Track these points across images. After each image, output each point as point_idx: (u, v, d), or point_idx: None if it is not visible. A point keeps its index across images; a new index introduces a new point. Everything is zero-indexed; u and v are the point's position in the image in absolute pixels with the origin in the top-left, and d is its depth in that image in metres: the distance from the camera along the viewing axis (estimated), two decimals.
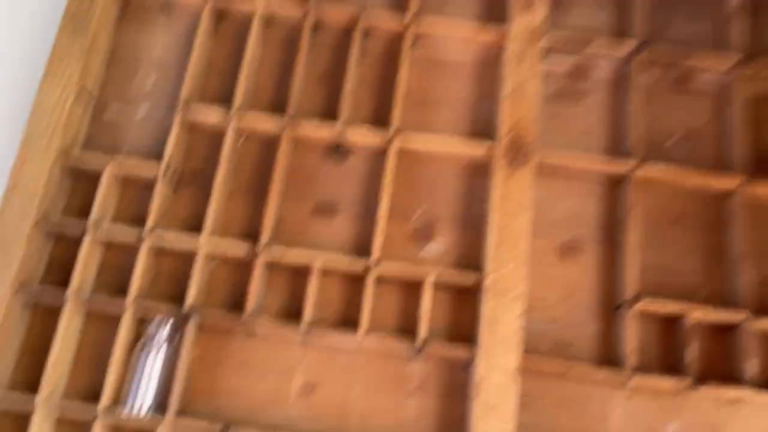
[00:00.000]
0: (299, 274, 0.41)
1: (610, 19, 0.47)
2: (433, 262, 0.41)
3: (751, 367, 0.38)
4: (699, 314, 0.39)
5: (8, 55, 0.45)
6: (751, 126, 0.44)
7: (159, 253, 0.41)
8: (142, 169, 0.42)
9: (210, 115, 0.43)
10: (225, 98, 0.44)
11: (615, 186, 0.43)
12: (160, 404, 0.38)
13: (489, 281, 0.38)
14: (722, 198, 0.43)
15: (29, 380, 0.39)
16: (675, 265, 0.42)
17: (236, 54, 0.45)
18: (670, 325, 0.40)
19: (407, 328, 0.40)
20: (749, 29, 0.45)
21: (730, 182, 0.41)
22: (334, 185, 0.43)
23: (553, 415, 0.39)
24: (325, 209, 0.43)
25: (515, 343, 0.37)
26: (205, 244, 0.40)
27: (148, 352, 0.38)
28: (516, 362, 0.37)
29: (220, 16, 0.46)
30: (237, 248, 0.40)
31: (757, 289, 0.41)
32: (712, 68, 0.44)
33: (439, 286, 0.40)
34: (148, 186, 0.42)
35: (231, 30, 0.46)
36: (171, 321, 0.38)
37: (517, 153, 0.41)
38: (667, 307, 0.39)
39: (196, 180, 0.43)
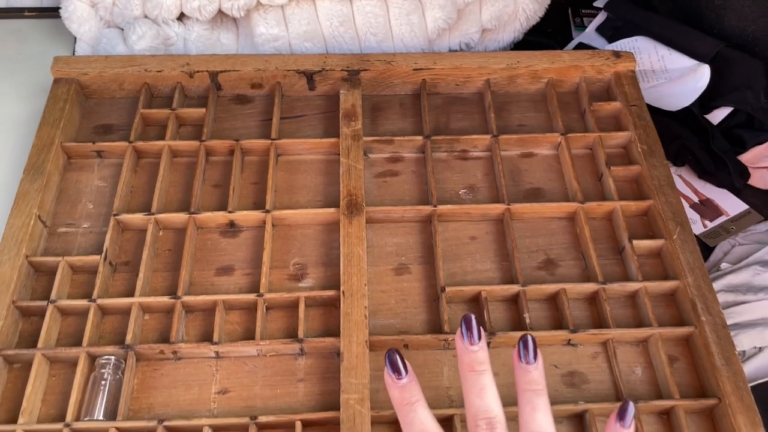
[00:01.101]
0: (208, 314, 0.58)
1: (410, 125, 0.70)
2: (305, 290, 0.58)
3: (530, 317, 0.56)
4: (488, 291, 0.57)
5: None
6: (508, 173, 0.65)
7: (104, 313, 0.57)
8: (86, 261, 0.58)
9: (135, 219, 0.61)
10: (145, 208, 0.62)
11: (426, 223, 0.63)
12: (111, 416, 0.52)
13: (342, 290, 0.56)
14: (498, 219, 0.63)
15: (9, 417, 0.52)
16: (472, 267, 0.61)
17: (152, 179, 0.65)
18: (472, 301, 0.58)
19: (292, 336, 0.56)
20: (497, 115, 0.69)
21: (501, 207, 0.62)
22: (230, 253, 0.61)
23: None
24: (225, 270, 0.61)
25: (364, 325, 0.54)
26: (137, 301, 0.56)
27: (100, 383, 0.52)
28: (365, 338, 0.53)
29: (139, 155, 0.66)
30: (161, 302, 0.56)
31: (532, 272, 0.60)
32: (478, 144, 0.67)
33: (310, 304, 0.57)
34: (92, 272, 0.59)
35: (147, 163, 0.66)
36: (114, 358, 0.53)
37: (353, 209, 0.61)
38: (465, 291, 0.57)
39: (127, 267, 0.60)
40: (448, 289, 0.57)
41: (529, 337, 0.35)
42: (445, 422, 0.52)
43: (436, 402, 0.54)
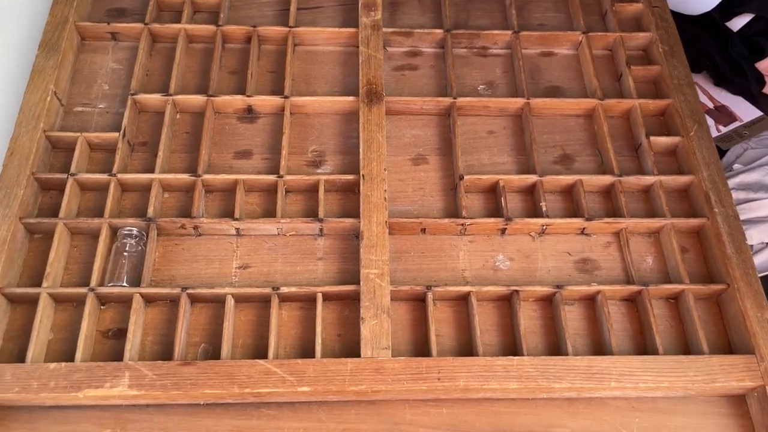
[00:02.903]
0: (228, 194, 0.58)
1: (429, 20, 0.70)
2: (323, 174, 0.59)
3: (546, 206, 0.58)
4: (505, 180, 0.58)
5: (2, 71, 0.62)
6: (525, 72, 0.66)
7: (124, 189, 0.58)
8: (105, 138, 0.59)
9: (152, 99, 0.61)
10: (163, 90, 0.62)
11: (443, 116, 0.64)
12: (134, 284, 0.53)
13: (362, 173, 0.57)
14: (517, 115, 0.64)
15: (32, 283, 0.53)
16: (489, 160, 0.62)
17: (168, 64, 0.65)
18: (489, 191, 0.60)
19: (312, 216, 0.57)
20: (517, 13, 0.69)
21: (520, 101, 0.63)
22: (248, 138, 0.62)
23: (419, 262, 0.57)
24: (243, 154, 0.61)
25: (383, 207, 0.55)
26: (158, 177, 0.57)
27: (122, 253, 0.54)
28: (385, 218, 0.55)
29: (154, 39, 0.66)
30: (181, 179, 0.57)
31: (548, 166, 0.61)
32: (498, 40, 0.67)
33: (329, 188, 0.58)
34: (110, 150, 0.59)
35: (163, 47, 0.66)
36: (136, 230, 0.54)
37: (373, 97, 0.61)
38: (483, 179, 0.59)
39: (145, 147, 0.61)
40: (466, 177, 0.59)
41: None
42: (461, 299, 0.54)
43: (453, 281, 0.55)
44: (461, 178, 0.58)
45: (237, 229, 0.56)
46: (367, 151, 0.58)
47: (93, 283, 0.52)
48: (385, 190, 0.56)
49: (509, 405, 0.50)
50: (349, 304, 0.54)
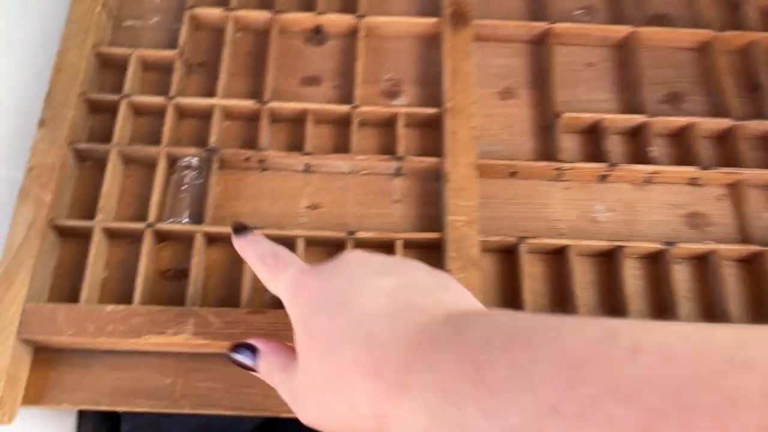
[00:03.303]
0: (296, 124, 0.53)
1: None
2: (401, 106, 0.53)
3: (655, 151, 0.51)
4: (608, 120, 0.52)
5: None
6: None
7: (181, 115, 0.52)
8: (160, 56, 0.53)
9: (211, 14, 0.55)
10: (222, 3, 0.56)
11: (535, 44, 0.56)
12: (196, 221, 0.48)
13: (447, 106, 0.50)
14: (620, 45, 0.56)
15: (83, 215, 0.49)
16: (587, 96, 0.55)
17: None
18: (587, 132, 0.53)
19: (387, 153, 0.51)
20: None
21: (624, 29, 0.55)
22: (317, 63, 0.55)
23: (507, 209, 0.51)
24: (311, 81, 0.55)
25: (471, 146, 0.49)
26: (219, 103, 0.51)
27: (181, 186, 0.48)
28: (474, 159, 0.49)
29: None
30: (245, 106, 0.51)
31: (654, 106, 0.54)
32: None
33: (407, 122, 0.52)
34: (166, 70, 0.53)
35: None
36: (196, 160, 0.48)
37: (459, 19, 0.54)
38: (583, 119, 0.52)
39: (203, 69, 0.55)
40: (564, 115, 0.52)
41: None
42: (557, 254, 0.49)
43: (546, 233, 0.50)
44: (557, 115, 0.52)
45: (306, 165, 0.50)
46: (452, 82, 0.52)
47: (150, 218, 0.47)
48: (473, 127, 0.50)
49: None
50: (431, 253, 0.48)
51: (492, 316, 0.21)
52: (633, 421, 0.14)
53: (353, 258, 0.28)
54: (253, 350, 0.31)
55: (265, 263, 0.31)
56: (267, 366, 0.30)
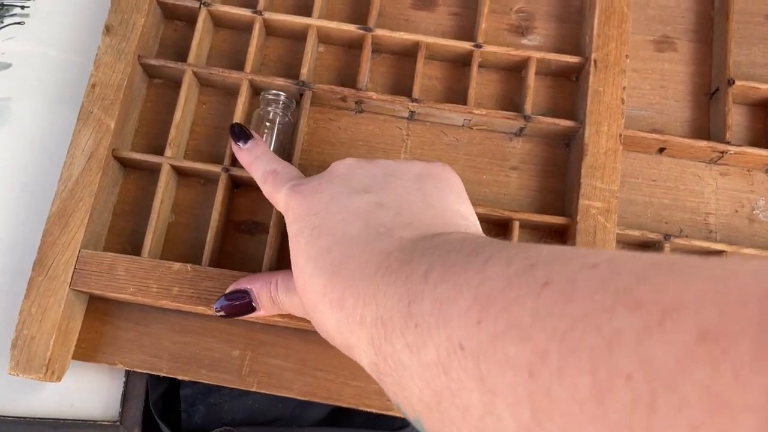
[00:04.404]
0: (404, 58, 0.44)
1: None
2: (533, 48, 0.43)
3: None
4: None
5: None
6: None
7: (269, 33, 0.44)
8: None
9: None
10: None
11: None
12: None
13: (594, 57, 0.41)
14: None
15: (150, 146, 0.42)
16: (763, 59, 0.44)
17: None
18: (759, 106, 0.43)
19: (510, 109, 0.42)
20: None
21: None
22: None
23: (649, 193, 0.42)
24: (425, 4, 0.45)
25: (620, 112, 0.40)
26: (316, 23, 0.42)
27: (264, 123, 0.41)
28: (620, 129, 0.39)
29: None
30: (346, 31, 0.42)
31: None
32: None
33: (540, 70, 0.43)
34: None
35: None
36: (284, 96, 0.40)
37: None
38: (761, 91, 0.42)
39: None
40: (737, 83, 0.42)
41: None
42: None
43: (692, 230, 0.41)
44: (731, 82, 0.42)
45: (411, 112, 0.42)
46: (604, 25, 0.42)
47: (227, 160, 0.40)
48: (624, 88, 0.41)
49: None
50: (551, 238, 0.41)
51: (445, 244, 0.20)
52: (521, 360, 0.14)
53: (340, 171, 0.27)
54: (243, 293, 0.32)
55: (266, 182, 0.31)
56: (268, 296, 0.31)
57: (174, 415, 0.42)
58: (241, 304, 0.31)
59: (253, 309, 0.31)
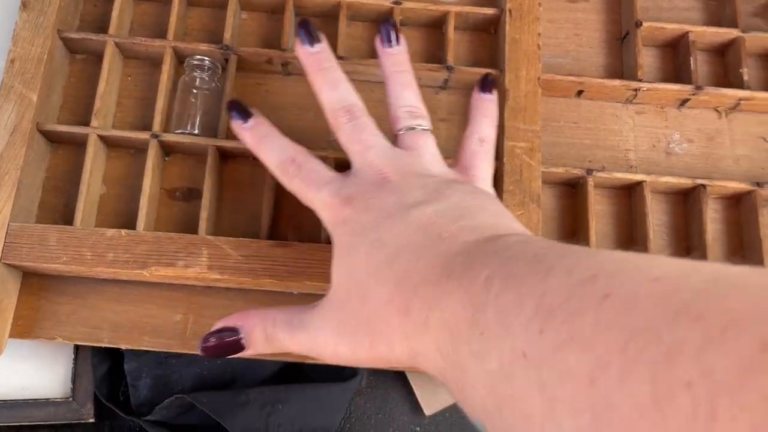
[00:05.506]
0: (328, 20, 0.45)
1: None
2: (453, 5, 0.45)
3: (746, 74, 0.44)
4: (696, 33, 0.44)
5: None
6: None
7: (191, 3, 0.44)
8: None
9: None
10: None
11: None
12: (209, 133, 0.41)
13: (509, 7, 0.43)
14: None
15: (77, 121, 0.42)
16: (668, 3, 0.47)
17: None
18: (667, 47, 0.46)
19: (434, 61, 0.44)
20: None
21: None
22: None
23: (570, 135, 0.44)
24: None
25: (537, 57, 0.42)
26: None
27: (191, 90, 0.41)
28: (538, 73, 0.41)
29: None
30: None
31: (746, 18, 0.46)
32: None
33: (458, 24, 0.44)
34: None
35: None
36: (209, 60, 0.41)
37: None
38: (667, 31, 0.44)
39: None
40: (645, 24, 0.44)
41: (390, 21, 0.33)
42: (625, 189, 0.43)
43: (614, 165, 0.43)
44: (638, 24, 0.44)
45: None
46: None
47: (156, 127, 0.40)
48: (539, 34, 0.43)
49: None
50: None
51: (506, 249, 0.21)
52: (583, 369, 0.15)
53: (392, 185, 0.27)
54: (232, 331, 0.29)
55: (287, 174, 0.30)
56: (262, 334, 0.28)
57: (122, 393, 0.41)
58: (228, 342, 0.28)
59: (241, 348, 0.28)
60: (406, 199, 0.26)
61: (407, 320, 0.22)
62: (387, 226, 0.25)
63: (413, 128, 0.31)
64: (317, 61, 0.31)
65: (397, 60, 0.33)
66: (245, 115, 0.31)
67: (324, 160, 0.39)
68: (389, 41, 0.33)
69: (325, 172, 0.29)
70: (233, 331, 0.28)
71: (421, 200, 0.25)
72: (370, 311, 0.24)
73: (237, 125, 0.32)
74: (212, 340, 0.28)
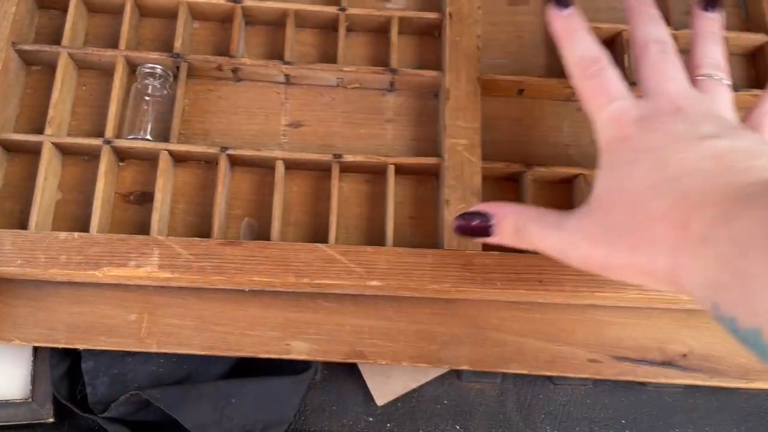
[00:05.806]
0: (277, 28, 0.47)
1: None
2: (396, 10, 0.47)
3: None
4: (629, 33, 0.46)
5: None
6: None
7: (142, 14, 0.46)
8: None
9: None
10: None
11: None
12: (161, 138, 0.43)
13: (449, 11, 0.45)
14: None
15: (33, 130, 0.43)
16: (605, 3, 0.49)
17: None
18: (607, 47, 0.47)
19: (379, 64, 0.46)
20: None
21: None
22: None
23: (512, 132, 0.46)
24: None
25: (476, 58, 0.44)
26: (186, 0, 0.44)
27: (143, 97, 0.43)
28: (478, 73, 0.43)
29: None
30: (216, 5, 0.45)
31: (682, 16, 0.48)
32: None
33: (403, 29, 0.46)
34: None
35: None
36: (160, 68, 0.43)
37: None
38: (603, 30, 0.46)
39: None
40: None
41: None
42: (566, 183, 0.44)
43: (554, 160, 0.45)
44: None
45: (287, 76, 0.45)
46: None
47: (109, 133, 0.42)
48: (479, 36, 0.45)
49: (618, 314, 0.42)
50: (426, 180, 0.44)
51: None
52: None
53: (685, 115, 0.27)
54: (483, 215, 0.31)
55: (585, 71, 0.31)
56: (513, 224, 0.30)
57: (79, 392, 0.42)
58: (477, 225, 0.31)
59: (489, 234, 0.30)
60: (698, 130, 0.26)
61: (682, 234, 0.23)
62: (674, 149, 0.25)
63: (712, 76, 0.31)
64: (567, 23, 0.32)
65: (714, 24, 0.33)
66: (564, 4, 0.32)
67: (273, 161, 0.41)
68: (710, 6, 0.33)
69: (622, 86, 0.29)
70: (485, 216, 0.31)
71: (715, 134, 0.26)
72: (640, 221, 0.24)
73: (553, 12, 0.33)
74: (464, 221, 0.31)
